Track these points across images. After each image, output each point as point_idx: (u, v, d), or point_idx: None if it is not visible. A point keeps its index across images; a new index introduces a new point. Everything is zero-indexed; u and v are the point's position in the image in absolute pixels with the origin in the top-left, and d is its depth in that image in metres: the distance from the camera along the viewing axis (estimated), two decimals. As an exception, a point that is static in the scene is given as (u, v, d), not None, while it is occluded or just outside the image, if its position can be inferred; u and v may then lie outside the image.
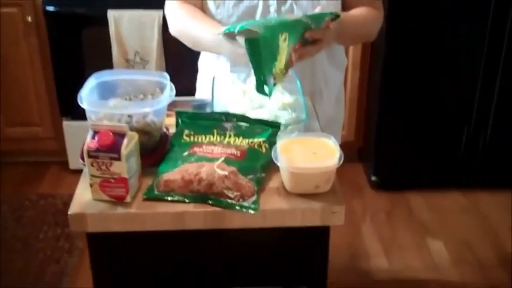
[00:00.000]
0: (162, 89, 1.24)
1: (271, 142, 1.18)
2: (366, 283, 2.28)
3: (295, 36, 1.22)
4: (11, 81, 2.78)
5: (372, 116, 2.81)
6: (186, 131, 1.22)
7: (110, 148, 1.06)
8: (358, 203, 2.72)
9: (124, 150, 1.06)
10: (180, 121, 1.24)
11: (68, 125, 2.80)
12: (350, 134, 2.94)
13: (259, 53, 1.16)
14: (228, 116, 1.22)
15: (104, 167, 1.07)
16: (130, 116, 1.17)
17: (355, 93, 2.87)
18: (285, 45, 1.19)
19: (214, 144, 1.18)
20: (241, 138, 1.20)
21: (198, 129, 1.22)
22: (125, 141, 1.07)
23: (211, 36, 1.36)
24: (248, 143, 1.18)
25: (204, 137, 1.21)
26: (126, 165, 1.07)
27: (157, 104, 1.17)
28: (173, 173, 1.12)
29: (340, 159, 1.11)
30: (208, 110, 1.37)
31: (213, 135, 1.21)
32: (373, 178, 2.80)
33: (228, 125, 1.21)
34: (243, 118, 1.22)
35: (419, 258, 2.38)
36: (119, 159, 1.06)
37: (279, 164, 1.10)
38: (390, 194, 2.77)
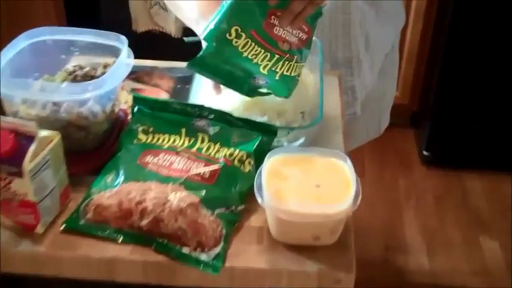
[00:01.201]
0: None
1: (260, 156, 0.80)
2: (399, 283, 1.92)
3: (253, 15, 0.82)
4: None
5: (432, 77, 2.34)
6: (143, 126, 0.85)
7: (9, 158, 0.71)
8: (404, 180, 2.31)
9: (27, 164, 0.71)
10: (136, 110, 0.87)
11: None
12: (404, 95, 2.49)
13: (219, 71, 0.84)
14: (203, 111, 0.84)
15: (2, 184, 0.73)
16: (57, 104, 0.81)
17: (415, 47, 2.39)
18: (242, 40, 0.80)
19: (177, 153, 0.81)
20: (217, 146, 0.82)
21: (160, 124, 0.85)
22: (31, 148, 0.71)
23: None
24: (225, 155, 0.80)
25: (166, 138, 0.84)
26: (32, 185, 0.72)
27: (98, 87, 0.80)
28: (109, 195, 0.76)
29: (356, 201, 0.73)
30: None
31: (180, 137, 0.84)
32: (425, 153, 2.37)
33: (202, 123, 0.84)
34: (224, 116, 0.84)
35: (468, 259, 1.98)
36: (20, 175, 0.71)
37: (259, 202, 0.73)
38: (443, 172, 2.34)
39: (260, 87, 0.85)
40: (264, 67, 0.82)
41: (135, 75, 1.05)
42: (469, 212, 2.17)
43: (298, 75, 0.87)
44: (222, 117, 0.83)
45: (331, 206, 0.70)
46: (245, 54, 0.80)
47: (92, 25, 0.93)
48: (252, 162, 0.80)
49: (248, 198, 0.78)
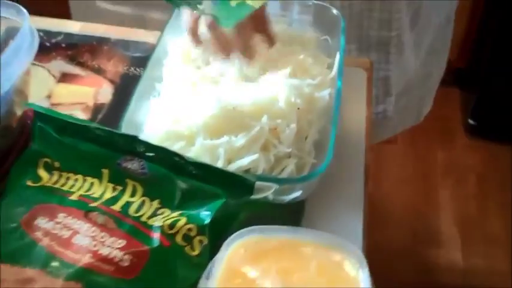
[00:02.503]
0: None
1: (220, 231, 0.49)
2: (425, 280, 1.63)
3: None
4: None
5: (487, 31, 1.97)
6: (46, 158, 0.54)
7: None
8: (443, 152, 1.98)
9: None
10: (37, 131, 0.55)
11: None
12: (452, 51, 2.10)
13: None
14: (136, 145, 0.52)
15: None
16: None
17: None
18: None
19: (86, 213, 0.50)
20: (154, 205, 0.51)
21: (72, 159, 0.54)
22: None
23: None
24: (163, 228, 0.49)
25: (78, 182, 0.53)
26: None
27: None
28: (-32, 285, 0.46)
29: None
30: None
31: (99, 183, 0.52)
32: (470, 121, 2.02)
33: (133, 165, 0.52)
34: (169, 156, 0.51)
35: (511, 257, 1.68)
36: None
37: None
38: (489, 146, 1.99)
39: None
40: None
41: (73, 50, 0.73)
42: (517, 198, 1.84)
43: None
44: (166, 158, 0.51)
45: None
46: None
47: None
48: (206, 242, 0.49)
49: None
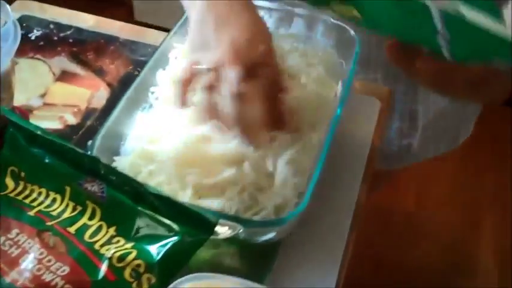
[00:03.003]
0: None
1: (172, 269, 0.45)
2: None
3: None
4: None
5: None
6: (13, 167, 0.52)
7: None
8: (494, 175, 1.86)
9: None
10: (8, 137, 0.53)
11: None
12: None
13: None
14: (96, 166, 0.49)
15: None
16: None
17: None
18: None
19: (40, 233, 0.48)
20: (110, 232, 0.48)
21: (38, 171, 0.51)
22: None
23: None
24: (111, 260, 0.46)
25: (41, 196, 0.50)
26: None
27: None
28: None
29: None
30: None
31: (62, 198, 0.50)
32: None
33: (93, 188, 0.49)
34: (129, 183, 0.48)
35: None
36: None
37: None
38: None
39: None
40: None
41: (79, 47, 0.71)
42: None
43: None
44: (126, 185, 0.48)
45: None
46: None
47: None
48: (154, 281, 0.46)
49: None
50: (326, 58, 0.66)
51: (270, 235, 0.51)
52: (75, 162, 0.50)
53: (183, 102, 0.56)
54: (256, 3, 0.60)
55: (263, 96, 0.53)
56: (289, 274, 0.52)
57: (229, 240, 0.50)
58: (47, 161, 0.51)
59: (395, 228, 1.70)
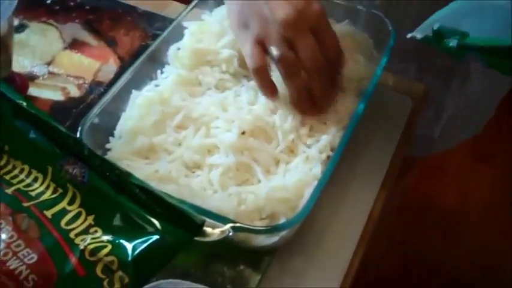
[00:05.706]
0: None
1: (148, 270, 0.41)
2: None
3: None
4: None
5: None
6: (-1, 140, 0.48)
7: None
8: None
9: None
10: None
11: None
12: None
13: None
14: (80, 147, 0.45)
15: None
16: None
17: None
18: None
19: (15, 214, 0.44)
20: (88, 220, 0.44)
21: (22, 147, 0.47)
22: None
23: None
24: (83, 252, 0.42)
25: (23, 173, 0.47)
26: None
27: None
28: None
29: None
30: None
31: (44, 178, 0.46)
32: None
33: (74, 170, 0.45)
34: (113, 170, 0.44)
35: None
36: None
37: None
38: None
39: None
40: None
41: (95, 14, 0.67)
42: None
43: None
44: (109, 172, 0.43)
45: None
46: None
47: None
48: (127, 281, 0.41)
49: None
50: (362, 44, 0.61)
51: (268, 241, 0.46)
52: (59, 142, 0.46)
53: (273, 89, 0.54)
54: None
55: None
56: (288, 281, 0.47)
57: (222, 243, 0.46)
58: (31, 136, 0.47)
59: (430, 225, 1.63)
